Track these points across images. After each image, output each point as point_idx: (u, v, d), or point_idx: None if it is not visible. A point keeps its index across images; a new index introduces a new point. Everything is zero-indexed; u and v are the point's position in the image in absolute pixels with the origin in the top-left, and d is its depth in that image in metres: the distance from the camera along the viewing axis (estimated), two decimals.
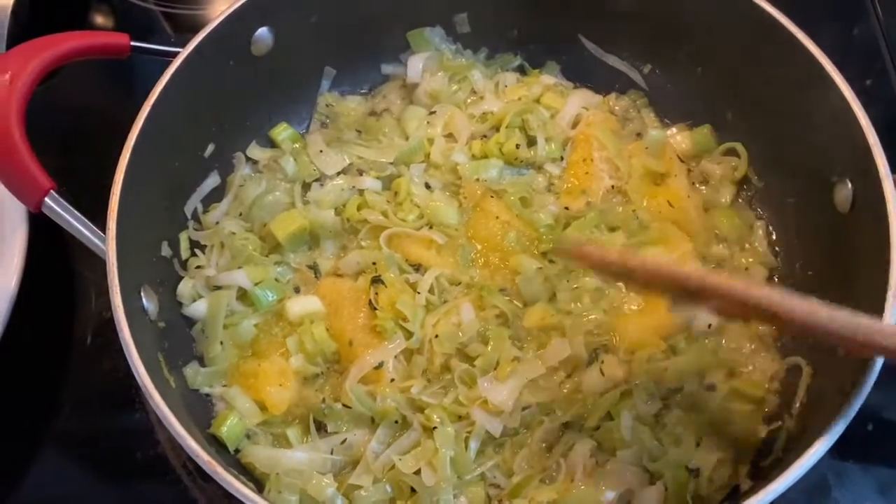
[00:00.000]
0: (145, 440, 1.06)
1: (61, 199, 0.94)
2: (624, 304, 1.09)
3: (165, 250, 1.06)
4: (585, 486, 0.95)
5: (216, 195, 1.16)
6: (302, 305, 1.07)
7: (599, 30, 1.25)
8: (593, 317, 1.07)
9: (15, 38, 1.29)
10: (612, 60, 1.26)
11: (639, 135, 1.23)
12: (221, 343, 1.04)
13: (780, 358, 1.04)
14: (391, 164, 1.19)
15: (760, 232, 1.14)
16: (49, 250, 1.17)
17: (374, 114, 1.26)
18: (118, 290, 0.87)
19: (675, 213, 1.14)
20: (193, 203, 1.13)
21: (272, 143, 1.22)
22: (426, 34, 1.26)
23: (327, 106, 1.25)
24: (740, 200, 1.17)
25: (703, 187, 1.18)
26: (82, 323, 1.16)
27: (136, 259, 0.95)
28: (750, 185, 1.17)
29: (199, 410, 1.00)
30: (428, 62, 1.25)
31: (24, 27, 1.31)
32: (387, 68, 1.28)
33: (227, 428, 0.98)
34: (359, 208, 1.14)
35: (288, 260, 1.12)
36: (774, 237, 1.14)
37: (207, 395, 1.02)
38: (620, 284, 1.09)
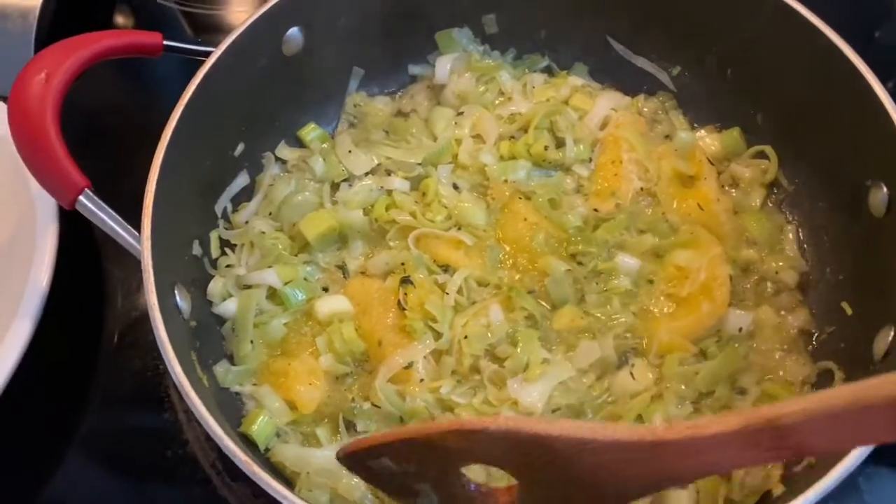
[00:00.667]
0: (174, 440, 1.07)
1: (95, 198, 0.95)
2: (654, 307, 1.08)
3: (196, 249, 1.06)
4: None
5: (245, 194, 1.16)
6: (331, 305, 1.07)
7: (628, 31, 1.24)
8: (623, 319, 1.06)
9: (40, 40, 1.29)
10: (641, 62, 1.26)
11: (667, 137, 1.22)
12: (252, 342, 1.04)
13: (811, 362, 1.03)
14: (419, 164, 1.18)
15: (791, 236, 1.14)
16: (79, 249, 1.17)
17: (402, 114, 1.26)
18: (154, 289, 0.87)
19: (704, 216, 1.13)
20: (223, 202, 1.13)
21: (301, 143, 1.22)
22: (454, 35, 1.26)
23: (355, 106, 1.25)
24: (770, 204, 1.16)
25: (733, 190, 1.17)
26: (111, 322, 1.16)
27: (168, 258, 0.95)
28: (780, 188, 1.16)
29: (230, 409, 1.00)
30: (456, 63, 1.25)
31: (49, 28, 1.32)
32: (414, 69, 1.28)
33: (258, 427, 0.98)
34: (387, 209, 1.14)
35: (317, 260, 1.12)
36: (805, 241, 1.13)
37: (237, 393, 1.02)
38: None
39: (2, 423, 1.06)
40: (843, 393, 0.56)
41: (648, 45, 1.24)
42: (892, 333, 0.89)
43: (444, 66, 1.25)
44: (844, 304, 1.03)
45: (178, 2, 1.40)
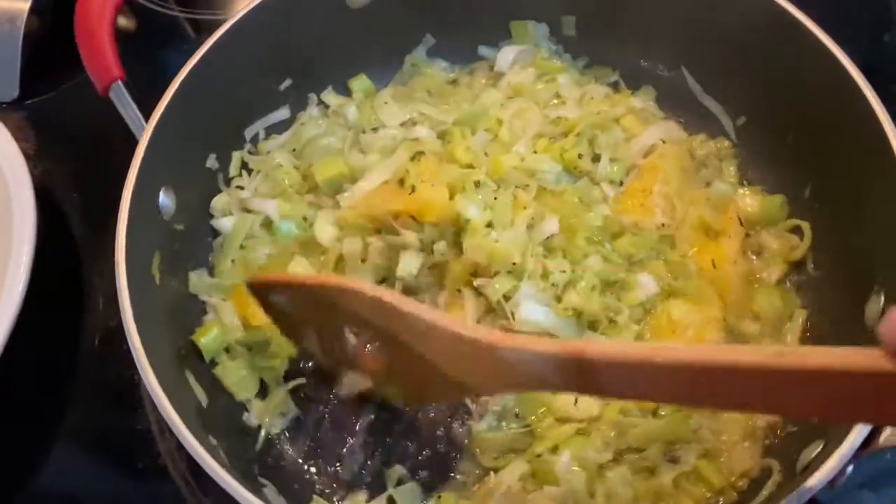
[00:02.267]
0: (146, 451, 1.04)
1: (124, 90, 1.03)
2: None
3: (211, 162, 1.12)
4: None
5: (282, 127, 1.21)
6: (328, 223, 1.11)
7: (705, 69, 1.19)
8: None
9: (28, 44, 1.32)
10: (709, 102, 1.19)
11: (708, 184, 1.15)
12: (233, 261, 1.10)
13: (759, 456, 0.96)
14: (452, 124, 1.18)
15: (800, 321, 1.05)
16: (58, 259, 1.17)
17: (454, 83, 1.26)
18: (133, 181, 0.93)
19: (715, 275, 1.07)
20: (256, 128, 1.19)
21: (349, 93, 1.25)
22: (530, 28, 1.25)
23: (412, 65, 1.26)
24: (788, 283, 1.08)
25: (755, 257, 1.10)
26: (89, 331, 1.14)
27: (172, 160, 1.02)
28: (803, 270, 1.07)
29: (188, 316, 1.06)
30: (521, 55, 1.24)
31: (38, 32, 1.35)
32: (483, 50, 1.28)
33: (207, 339, 1.03)
34: (412, 158, 1.12)
35: (322, 203, 1.15)
36: (810, 332, 1.04)
37: (204, 302, 1.08)
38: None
39: None
40: (639, 349, 0.65)
41: (721, 87, 1.18)
42: (818, 449, 0.82)
43: (507, 55, 1.24)
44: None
45: (180, 9, 1.39)
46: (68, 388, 1.10)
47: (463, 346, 0.74)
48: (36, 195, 1.09)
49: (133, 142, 0.97)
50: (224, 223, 1.13)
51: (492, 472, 0.97)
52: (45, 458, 1.06)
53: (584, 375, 0.67)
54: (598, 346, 0.66)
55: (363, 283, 0.82)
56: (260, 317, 1.06)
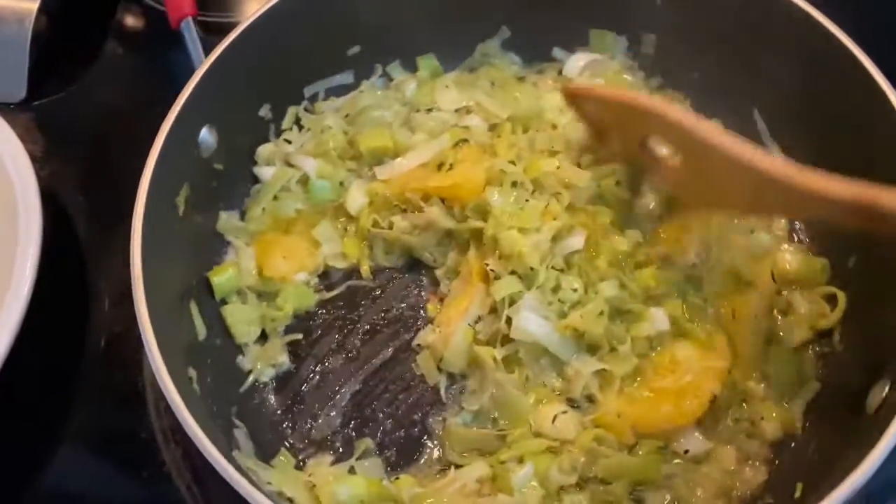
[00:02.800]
0: (151, 457, 1.03)
1: (194, 27, 1.07)
2: (628, 382, 1.01)
3: (265, 112, 1.16)
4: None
5: (343, 91, 1.23)
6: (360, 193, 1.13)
7: (774, 112, 1.14)
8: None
9: (37, 44, 1.30)
10: (774, 147, 1.14)
11: (752, 231, 1.10)
12: (263, 209, 1.13)
13: None
14: (505, 119, 1.17)
15: (811, 395, 0.99)
16: (64, 261, 1.16)
17: (521, 80, 1.25)
18: (178, 109, 0.97)
19: (732, 327, 1.03)
20: (317, 88, 1.21)
21: (415, 69, 1.25)
22: (609, 38, 1.22)
23: (483, 55, 1.26)
24: (810, 352, 1.02)
25: (781, 317, 1.04)
26: (95, 335, 1.12)
27: (222, 100, 1.05)
28: (828, 341, 1.02)
29: (206, 253, 1.09)
30: (592, 64, 1.22)
31: (47, 32, 1.33)
32: (558, 52, 1.26)
33: (221, 279, 1.07)
34: (457, 143, 1.13)
35: (362, 174, 1.17)
36: (820, 407, 0.98)
37: (224, 243, 1.12)
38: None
39: None
40: None
41: (788, 134, 1.13)
42: None
43: (576, 62, 1.22)
44: (799, 485, 0.89)
45: None
46: (73, 391, 1.09)
47: (757, 176, 0.84)
48: (42, 197, 1.07)
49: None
50: (265, 172, 1.16)
51: (453, 467, 0.97)
52: (48, 461, 1.05)
53: (872, 219, 0.75)
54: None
55: (671, 106, 0.92)
56: (275, 269, 1.10)
